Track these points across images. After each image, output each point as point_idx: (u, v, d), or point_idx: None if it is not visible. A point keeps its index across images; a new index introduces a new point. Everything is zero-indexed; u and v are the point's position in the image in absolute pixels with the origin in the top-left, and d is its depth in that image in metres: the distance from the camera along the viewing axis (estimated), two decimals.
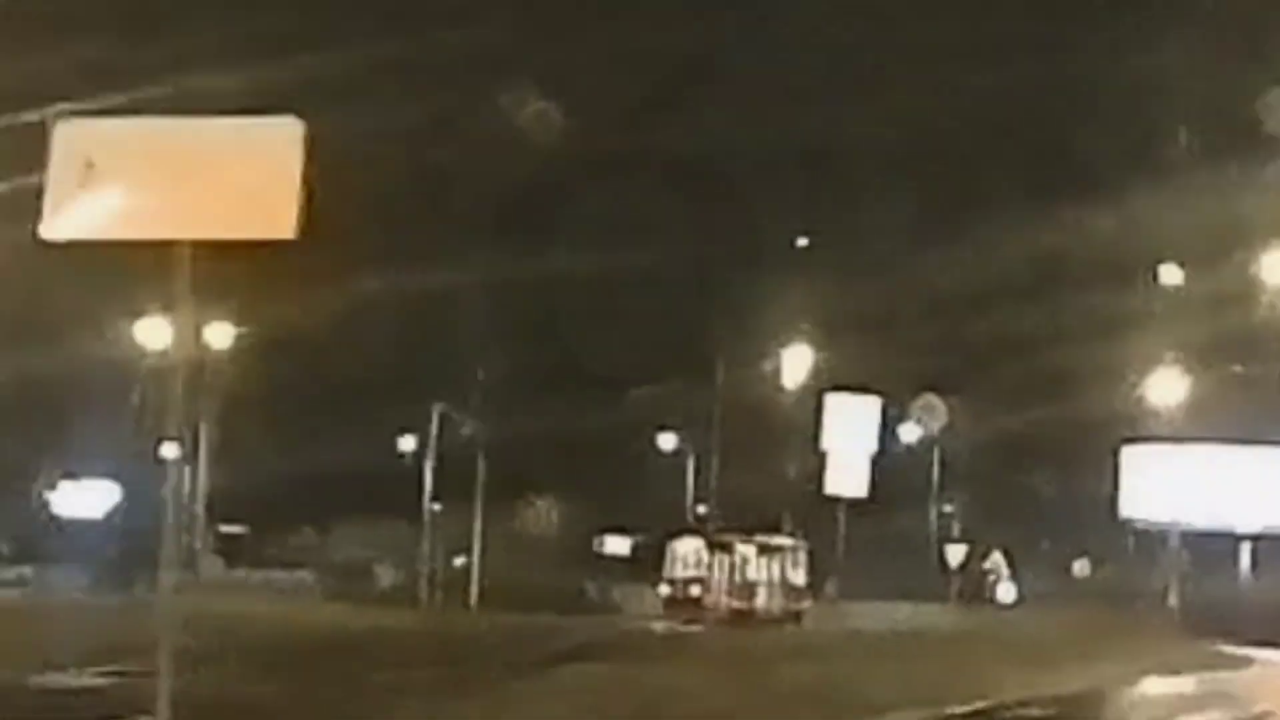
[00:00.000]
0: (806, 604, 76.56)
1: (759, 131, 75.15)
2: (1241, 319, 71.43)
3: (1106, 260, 67.95)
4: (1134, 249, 69.07)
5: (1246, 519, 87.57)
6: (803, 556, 78.59)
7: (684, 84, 72.68)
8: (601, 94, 68.80)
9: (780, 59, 74.10)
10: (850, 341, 79.86)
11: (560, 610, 64.41)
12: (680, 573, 78.39)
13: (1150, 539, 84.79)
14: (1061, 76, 68.54)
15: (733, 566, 77.63)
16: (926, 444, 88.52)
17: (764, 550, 77.66)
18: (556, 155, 68.04)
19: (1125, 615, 73.37)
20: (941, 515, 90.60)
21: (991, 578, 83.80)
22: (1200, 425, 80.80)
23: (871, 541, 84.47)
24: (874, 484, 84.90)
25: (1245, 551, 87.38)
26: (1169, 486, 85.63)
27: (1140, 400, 78.25)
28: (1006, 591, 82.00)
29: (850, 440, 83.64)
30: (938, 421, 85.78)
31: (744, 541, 76.81)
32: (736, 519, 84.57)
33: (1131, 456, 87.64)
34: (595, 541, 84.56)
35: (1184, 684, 41.91)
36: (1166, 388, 76.78)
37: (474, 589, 73.36)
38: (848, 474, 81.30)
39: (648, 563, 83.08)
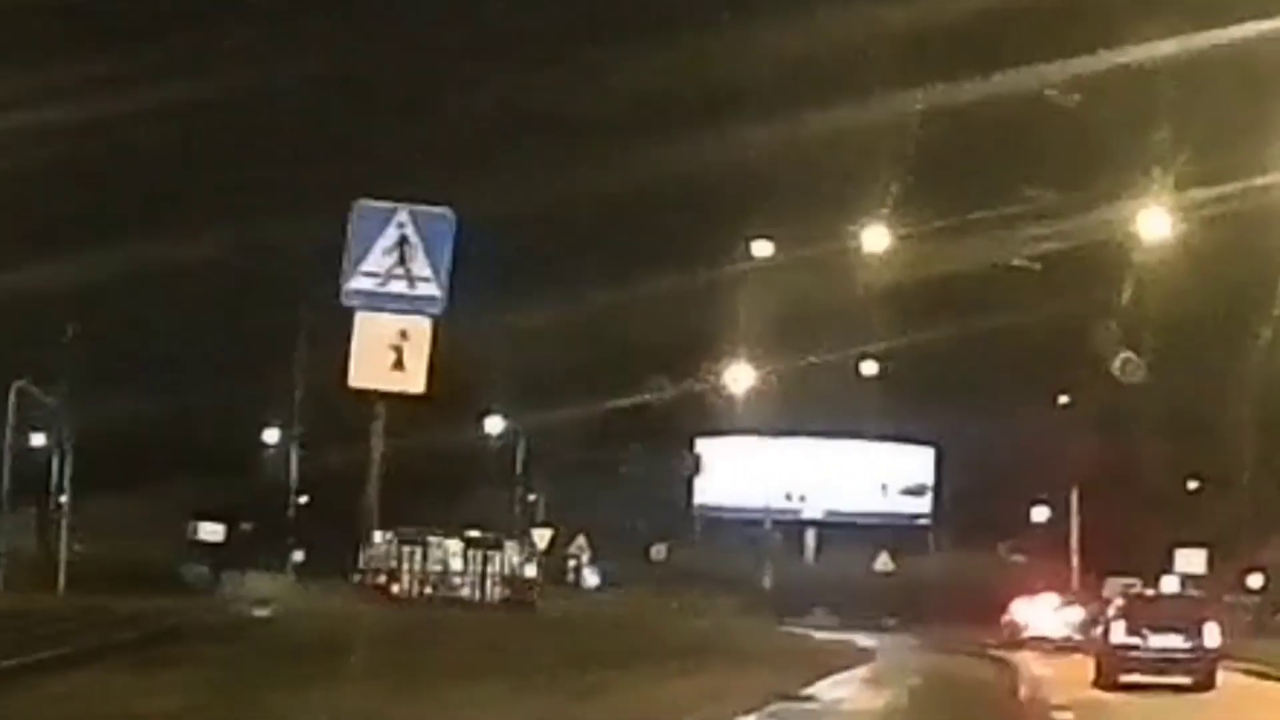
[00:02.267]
0: (535, 594, 70.56)
1: None
2: (827, 298, 63.93)
3: (698, 238, 59.70)
4: (726, 224, 60.76)
5: (810, 505, 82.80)
6: (532, 550, 73.12)
7: None
8: None
9: None
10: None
11: (158, 591, 56.06)
12: (369, 563, 71.44)
13: (722, 524, 78.04)
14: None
15: (426, 558, 71.81)
16: (510, 432, 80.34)
17: (476, 544, 70.36)
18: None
19: (731, 599, 66.53)
20: (526, 503, 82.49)
21: (573, 563, 75.86)
22: (772, 415, 73.85)
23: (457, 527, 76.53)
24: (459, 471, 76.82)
25: (810, 536, 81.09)
26: (740, 475, 79.32)
27: (719, 389, 70.73)
28: (590, 576, 74.14)
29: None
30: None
31: (447, 535, 71.30)
32: (330, 505, 76.24)
33: (706, 446, 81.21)
34: (189, 528, 75.36)
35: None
36: (744, 377, 69.28)
37: (61, 572, 63.97)
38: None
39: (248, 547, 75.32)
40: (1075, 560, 67.87)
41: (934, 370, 69.06)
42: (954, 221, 52.01)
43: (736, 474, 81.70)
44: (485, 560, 72.21)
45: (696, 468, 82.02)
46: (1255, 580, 68.09)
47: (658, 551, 78.38)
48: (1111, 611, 34.73)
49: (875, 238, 50.23)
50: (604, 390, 73.18)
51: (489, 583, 71.68)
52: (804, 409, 76.36)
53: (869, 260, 54.05)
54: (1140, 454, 66.74)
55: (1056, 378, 70.02)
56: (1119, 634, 32.73)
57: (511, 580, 71.10)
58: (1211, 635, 32.53)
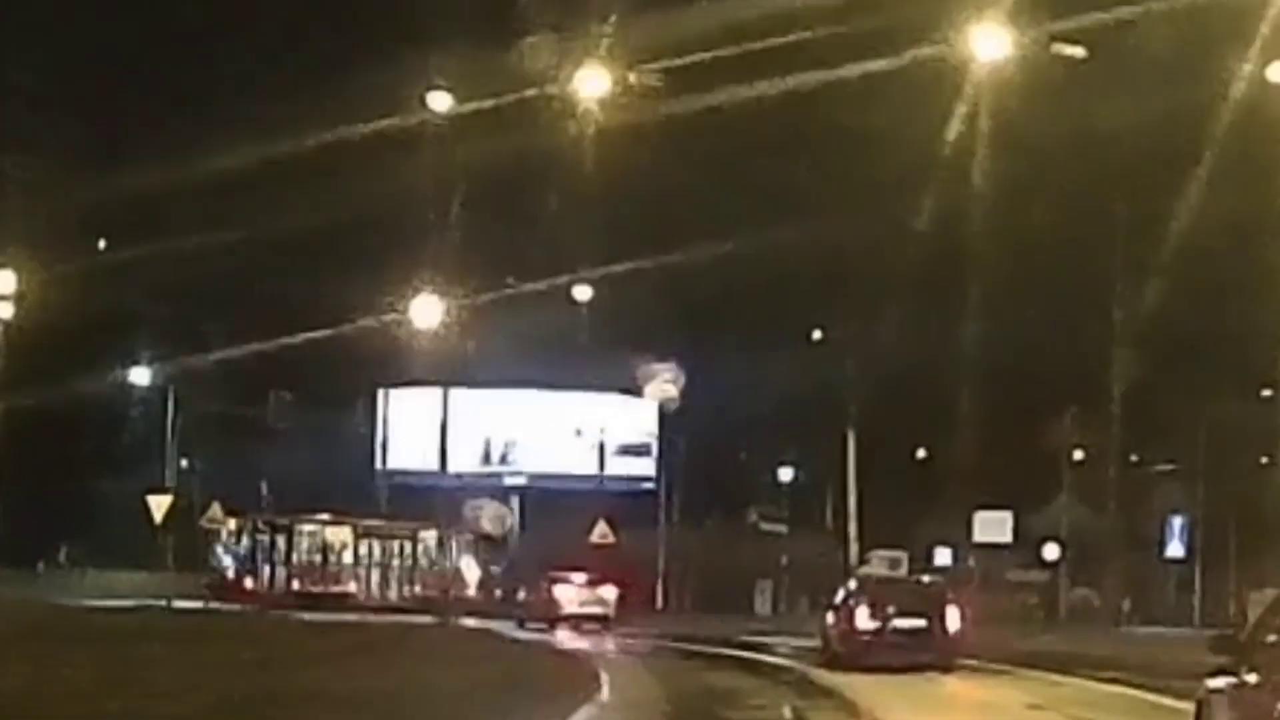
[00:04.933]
0: (470, 590, 61.72)
1: None
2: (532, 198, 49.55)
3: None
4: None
5: (516, 468, 70.14)
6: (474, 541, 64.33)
7: None
8: None
9: None
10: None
11: None
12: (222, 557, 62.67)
13: (413, 492, 64.04)
14: None
15: (293, 547, 62.84)
16: (160, 388, 65.67)
17: (374, 533, 62.81)
18: None
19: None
20: (182, 471, 67.87)
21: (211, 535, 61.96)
22: (469, 358, 59.48)
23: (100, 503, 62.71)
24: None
25: (515, 504, 67.52)
26: (434, 433, 65.45)
27: (406, 325, 55.29)
28: (225, 557, 59.75)
29: None
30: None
31: (313, 521, 61.87)
32: None
33: (393, 398, 67.18)
34: None
35: None
36: (432, 311, 53.92)
37: None
38: None
39: None
40: (853, 528, 54.72)
41: (659, 298, 55.56)
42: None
43: (429, 432, 67.58)
44: (386, 551, 62.33)
45: (373, 423, 67.73)
46: (1051, 551, 56.05)
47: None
48: (847, 595, 34.72)
49: (590, 83, 35.51)
50: (267, 328, 58.89)
51: (394, 578, 62.18)
52: (507, 351, 62.32)
53: (581, 132, 39.61)
54: (917, 400, 54.04)
55: (809, 308, 56.70)
56: (863, 619, 33.02)
57: (432, 577, 60.68)
58: (953, 619, 32.81)
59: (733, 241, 52.30)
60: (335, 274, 57.18)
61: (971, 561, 57.64)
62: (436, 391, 66.07)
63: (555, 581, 50.50)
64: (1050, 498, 61.26)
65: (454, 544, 64.49)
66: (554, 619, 49.28)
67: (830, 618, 34.60)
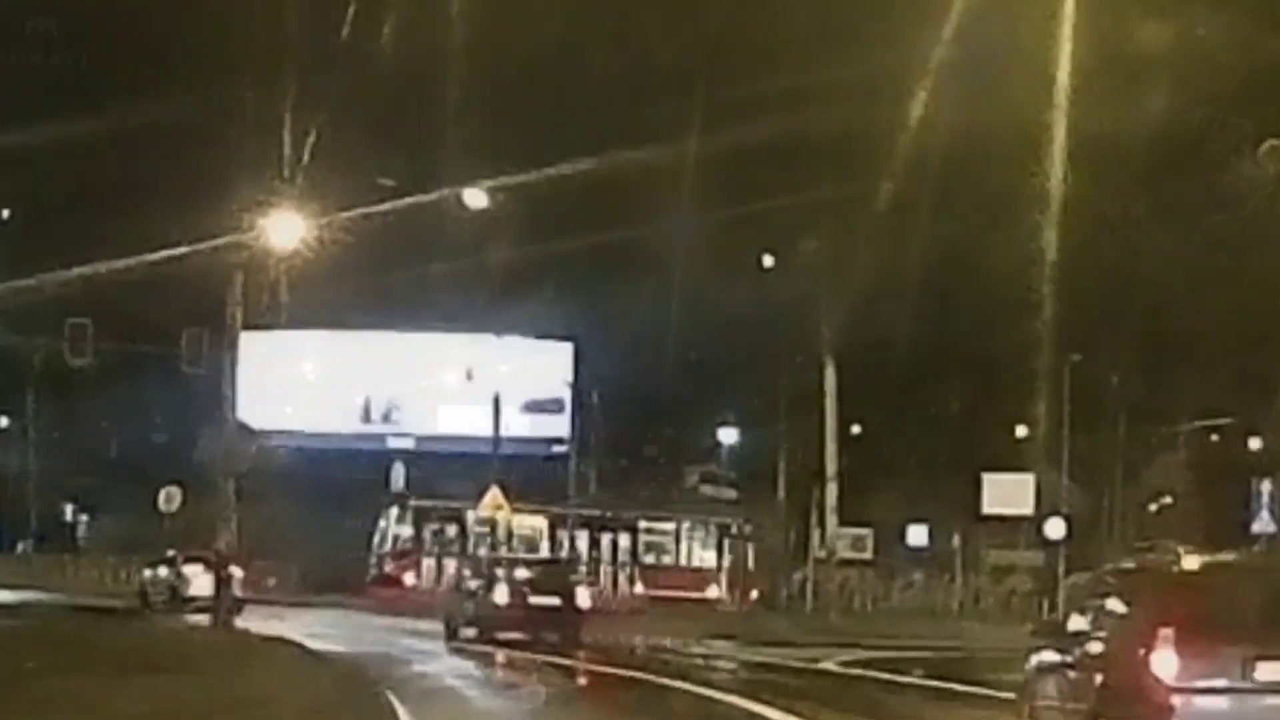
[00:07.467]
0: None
1: None
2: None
3: None
4: None
5: (399, 428, 60.34)
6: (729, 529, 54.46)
7: None
8: None
9: None
10: None
11: None
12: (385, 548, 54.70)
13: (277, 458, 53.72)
14: None
15: (466, 537, 54.46)
16: None
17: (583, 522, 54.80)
18: None
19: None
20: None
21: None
22: (341, 295, 49.55)
23: None
24: None
25: (399, 473, 57.43)
26: (300, 386, 55.83)
27: (261, 251, 44.67)
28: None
29: None
30: None
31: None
32: None
33: (250, 343, 56.51)
34: None
35: None
36: (292, 229, 43.07)
37: None
38: None
39: None
40: (832, 494, 44.39)
41: (570, 216, 45.66)
42: None
43: (294, 385, 57.65)
44: (595, 542, 54.39)
45: (224, 372, 57.45)
46: (1056, 528, 46.32)
47: (168, 499, 53.38)
48: (467, 571, 39.69)
49: None
50: (89, 254, 48.63)
51: (608, 573, 54.06)
52: (386, 284, 52.28)
53: None
54: (896, 336, 44.50)
55: (757, 232, 46.55)
56: (501, 595, 35.38)
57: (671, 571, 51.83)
58: (582, 598, 35.98)
59: (664, 145, 42.77)
60: (167, 184, 47.07)
61: (956, 541, 48.18)
62: (299, 334, 56.24)
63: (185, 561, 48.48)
64: (1028, 469, 52.07)
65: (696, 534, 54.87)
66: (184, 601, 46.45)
67: (460, 594, 37.65)
